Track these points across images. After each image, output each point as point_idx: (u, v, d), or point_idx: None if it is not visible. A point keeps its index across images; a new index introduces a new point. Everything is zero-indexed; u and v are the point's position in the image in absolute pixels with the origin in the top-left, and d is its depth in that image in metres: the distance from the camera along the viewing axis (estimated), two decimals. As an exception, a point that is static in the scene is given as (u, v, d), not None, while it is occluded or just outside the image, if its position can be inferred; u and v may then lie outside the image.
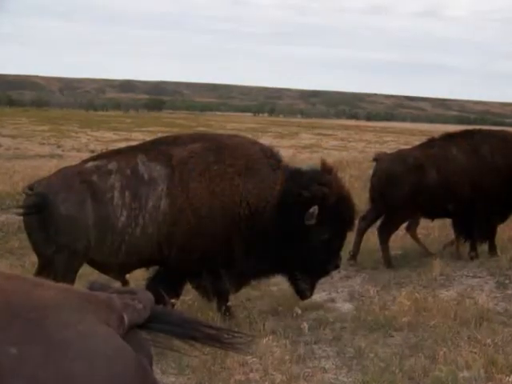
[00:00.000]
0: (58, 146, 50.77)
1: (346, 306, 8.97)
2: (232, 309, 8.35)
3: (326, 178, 8.28)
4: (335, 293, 9.65)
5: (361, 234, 11.35)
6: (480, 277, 10.09)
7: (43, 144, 52.67)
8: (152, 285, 8.10)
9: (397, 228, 11.54)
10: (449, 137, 11.62)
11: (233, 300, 8.47)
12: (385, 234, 11.23)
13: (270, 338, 7.24)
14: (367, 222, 11.49)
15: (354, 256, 11.16)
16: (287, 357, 6.87)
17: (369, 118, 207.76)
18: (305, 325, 7.89)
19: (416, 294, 8.67)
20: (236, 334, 3.51)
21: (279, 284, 9.39)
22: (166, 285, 7.97)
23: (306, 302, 8.77)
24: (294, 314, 8.39)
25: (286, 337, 7.49)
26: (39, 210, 7.67)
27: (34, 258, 8.87)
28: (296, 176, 8.31)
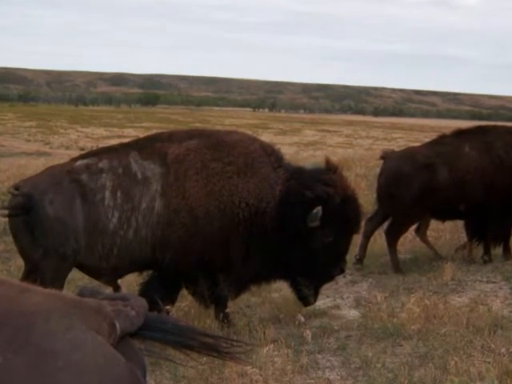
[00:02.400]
0: (46, 143, 50.87)
1: (352, 313, 8.96)
2: (231, 316, 8.34)
3: (330, 178, 8.27)
4: (340, 299, 9.65)
5: (367, 237, 11.33)
6: (494, 282, 10.08)
7: (30, 141, 52.79)
8: (146, 290, 8.10)
9: (405, 230, 11.53)
10: (461, 133, 11.61)
11: (231, 307, 8.47)
12: (393, 237, 11.22)
13: (271, 347, 7.23)
14: (374, 223, 11.48)
15: (360, 260, 11.15)
16: (289, 367, 6.86)
17: (376, 114, 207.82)
18: (308, 333, 7.87)
19: (426, 301, 8.65)
20: (235, 343, 3.51)
21: (281, 290, 9.38)
22: (160, 290, 7.98)
23: (309, 308, 8.77)
24: (297, 322, 8.38)
25: (287, 346, 7.48)
26: (25, 212, 7.66)
27: (21, 262, 8.87)
28: (298, 175, 8.30)
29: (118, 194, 7.89)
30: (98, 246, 7.89)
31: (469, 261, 11.12)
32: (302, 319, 8.44)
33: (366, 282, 10.47)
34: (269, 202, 8.14)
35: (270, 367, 6.80)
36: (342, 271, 8.70)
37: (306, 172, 8.42)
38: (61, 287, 7.72)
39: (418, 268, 11.04)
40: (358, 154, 31.33)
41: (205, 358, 7.09)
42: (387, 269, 11.00)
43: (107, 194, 7.88)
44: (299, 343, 7.69)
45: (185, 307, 8.67)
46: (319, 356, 7.46)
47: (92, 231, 7.84)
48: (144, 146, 8.26)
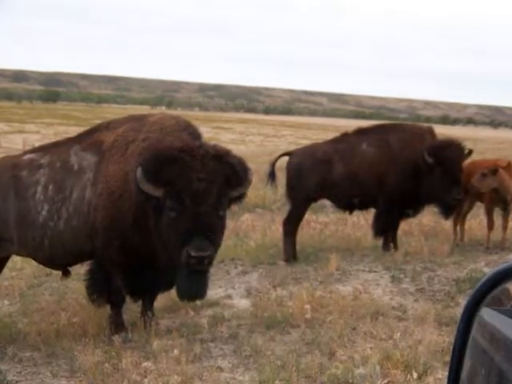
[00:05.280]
0: None
1: (243, 303, 8.88)
2: (127, 307, 8.06)
3: None
4: (232, 289, 9.56)
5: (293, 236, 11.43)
6: (375, 271, 10.18)
7: None
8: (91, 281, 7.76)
9: (301, 220, 11.64)
10: (360, 132, 11.79)
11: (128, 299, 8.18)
12: (290, 227, 11.34)
13: (165, 337, 7.08)
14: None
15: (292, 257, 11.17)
16: (183, 356, 6.74)
17: (267, 112, 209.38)
18: (201, 322, 7.76)
19: (313, 290, 8.69)
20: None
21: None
22: (104, 281, 7.59)
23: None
24: (191, 312, 8.25)
25: (181, 335, 7.36)
26: None
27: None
28: None
29: (50, 187, 7.62)
30: (28, 238, 7.74)
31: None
32: (194, 310, 8.30)
33: (256, 273, 10.42)
34: None
35: (164, 357, 6.68)
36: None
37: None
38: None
39: (305, 259, 11.09)
40: (249, 150, 31.35)
41: (100, 349, 6.95)
42: (277, 259, 11.02)
43: (39, 188, 7.64)
44: (193, 333, 7.56)
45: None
46: (212, 345, 7.33)
47: (22, 224, 7.71)
48: (85, 138, 7.90)
